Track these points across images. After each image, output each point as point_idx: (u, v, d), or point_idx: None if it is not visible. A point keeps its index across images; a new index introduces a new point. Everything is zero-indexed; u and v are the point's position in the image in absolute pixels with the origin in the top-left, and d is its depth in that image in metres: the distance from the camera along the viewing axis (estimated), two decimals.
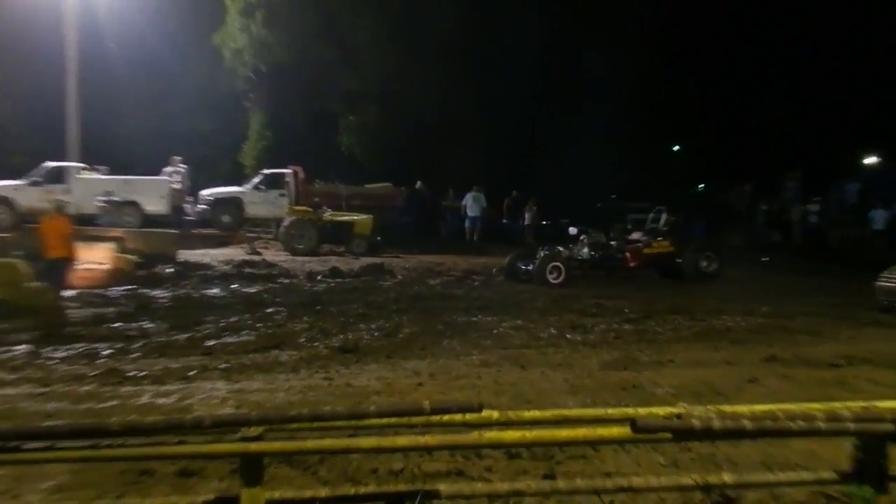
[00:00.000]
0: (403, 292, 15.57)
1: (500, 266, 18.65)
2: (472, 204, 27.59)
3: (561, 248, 17.79)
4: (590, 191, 34.88)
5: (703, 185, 44.41)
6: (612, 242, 18.16)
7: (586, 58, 36.29)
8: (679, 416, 3.84)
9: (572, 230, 18.58)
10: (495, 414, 3.93)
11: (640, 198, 29.78)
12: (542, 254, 17.18)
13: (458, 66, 31.13)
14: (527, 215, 28.89)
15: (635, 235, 18.53)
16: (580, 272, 17.63)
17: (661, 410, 3.94)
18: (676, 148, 48.01)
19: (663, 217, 18.78)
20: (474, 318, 12.32)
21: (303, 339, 10.27)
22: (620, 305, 13.81)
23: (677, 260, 18.13)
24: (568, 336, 10.82)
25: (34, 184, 22.76)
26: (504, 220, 29.69)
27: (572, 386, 7.75)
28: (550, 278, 16.57)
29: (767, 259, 20.35)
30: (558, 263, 16.76)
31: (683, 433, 3.81)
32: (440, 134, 31.21)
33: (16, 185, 22.98)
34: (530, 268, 17.17)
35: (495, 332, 11.15)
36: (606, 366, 8.79)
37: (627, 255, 17.89)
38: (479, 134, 32.15)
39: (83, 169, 23.79)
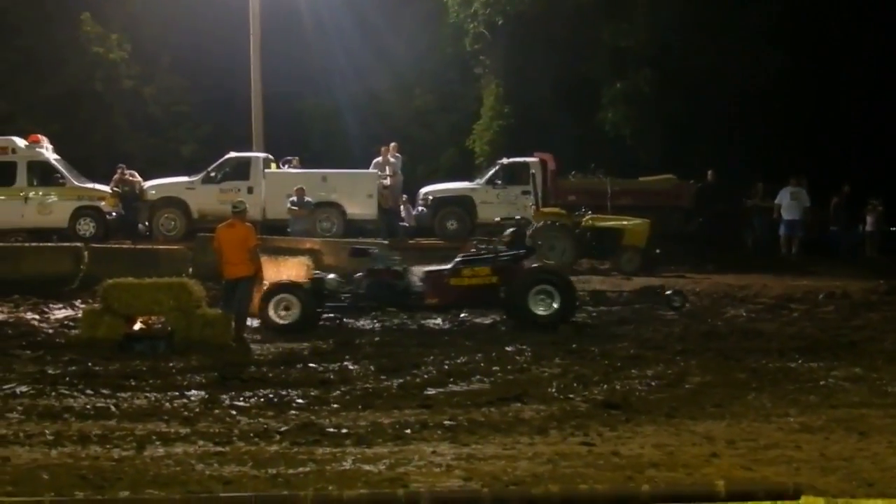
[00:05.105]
0: (691, 326, 15.37)
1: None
2: (789, 203, 26.62)
3: (332, 276, 16.38)
4: None
5: None
6: (414, 268, 16.75)
7: None
8: None
9: (356, 249, 17.43)
10: (820, 501, 3.87)
11: None
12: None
13: (774, 10, 30.21)
14: (868, 219, 27.55)
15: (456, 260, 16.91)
16: (348, 306, 16.31)
17: None
18: None
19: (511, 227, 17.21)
20: (791, 364, 12.07)
21: (553, 390, 10.40)
22: None
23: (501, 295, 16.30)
24: None
25: (209, 181, 23.93)
26: (832, 227, 28.51)
27: None
28: (275, 316, 15.36)
29: (679, 306, 17.59)
30: (288, 295, 15.54)
31: None
32: (743, 107, 30.40)
33: (188, 182, 24.21)
34: None
35: (822, 383, 10.87)
36: None
37: (427, 287, 16.34)
38: (799, 104, 31.03)
39: (271, 161, 24.98)
